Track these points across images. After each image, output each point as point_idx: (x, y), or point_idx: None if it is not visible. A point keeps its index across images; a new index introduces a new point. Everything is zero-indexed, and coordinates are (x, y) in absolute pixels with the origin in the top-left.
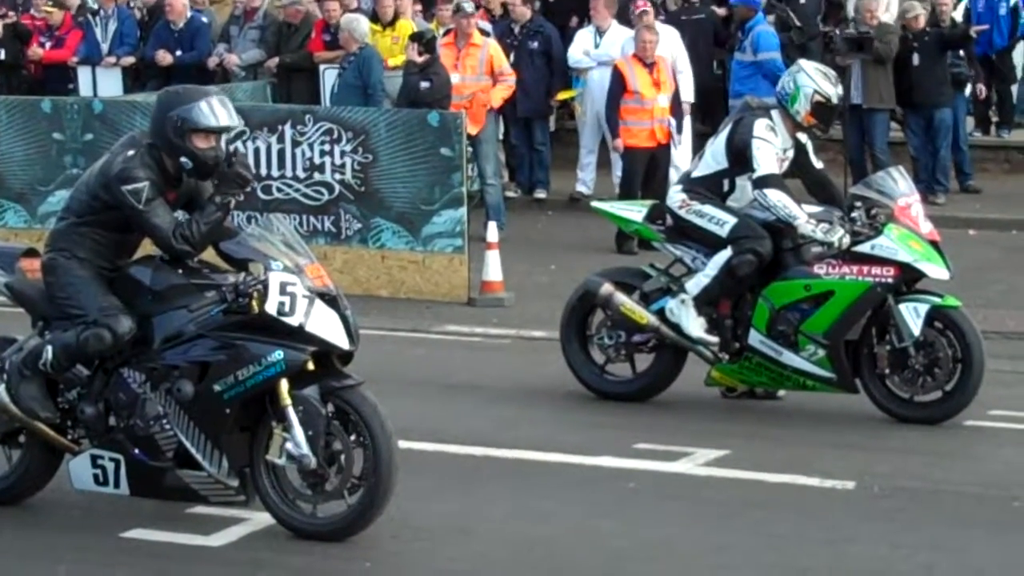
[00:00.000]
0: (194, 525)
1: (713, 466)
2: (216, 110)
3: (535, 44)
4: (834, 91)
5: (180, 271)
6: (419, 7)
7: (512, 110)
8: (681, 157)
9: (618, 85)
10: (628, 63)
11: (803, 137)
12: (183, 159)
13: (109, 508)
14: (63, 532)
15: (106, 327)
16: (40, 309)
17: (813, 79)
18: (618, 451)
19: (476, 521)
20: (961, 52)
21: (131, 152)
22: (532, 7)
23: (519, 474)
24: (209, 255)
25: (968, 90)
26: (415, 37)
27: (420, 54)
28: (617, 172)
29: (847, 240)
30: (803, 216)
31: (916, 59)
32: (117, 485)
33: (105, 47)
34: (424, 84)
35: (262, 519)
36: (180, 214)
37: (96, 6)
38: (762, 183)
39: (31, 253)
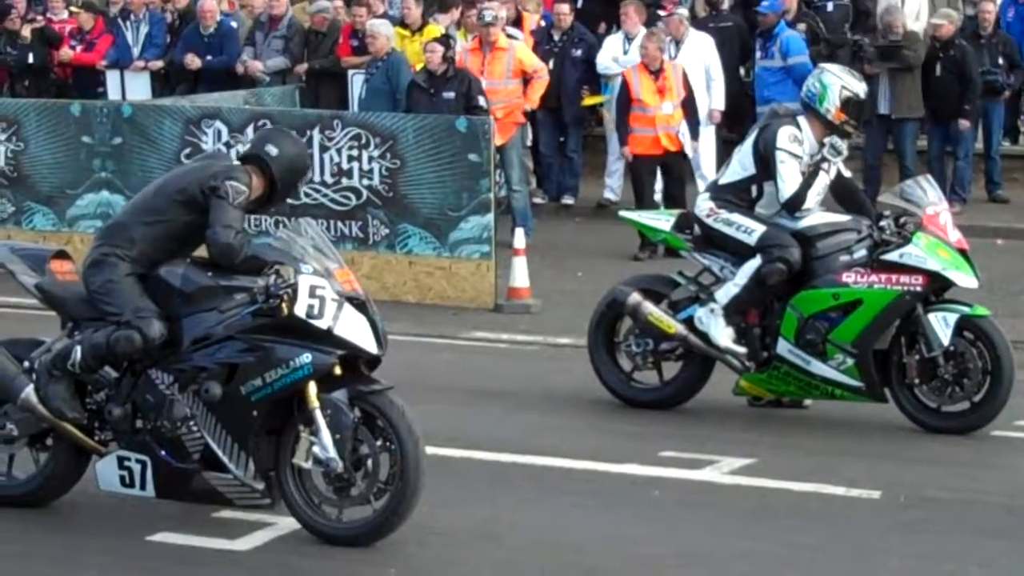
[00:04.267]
0: (220, 529)
1: (739, 474)
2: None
3: (578, 52)
4: (860, 87)
5: (210, 274)
6: (447, 13)
7: (546, 117)
8: (706, 166)
9: (624, 93)
10: (634, 71)
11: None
12: (287, 190)
13: (135, 511)
14: (89, 535)
15: (137, 330)
16: (70, 311)
17: (839, 76)
18: (644, 459)
19: (501, 528)
20: (1000, 60)
21: (238, 164)
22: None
23: (545, 481)
24: None
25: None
26: (439, 41)
27: (443, 59)
28: None
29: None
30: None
31: (939, 69)
32: (143, 487)
33: (136, 51)
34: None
35: (288, 523)
36: None
37: (118, 10)
38: (791, 207)
39: (61, 255)
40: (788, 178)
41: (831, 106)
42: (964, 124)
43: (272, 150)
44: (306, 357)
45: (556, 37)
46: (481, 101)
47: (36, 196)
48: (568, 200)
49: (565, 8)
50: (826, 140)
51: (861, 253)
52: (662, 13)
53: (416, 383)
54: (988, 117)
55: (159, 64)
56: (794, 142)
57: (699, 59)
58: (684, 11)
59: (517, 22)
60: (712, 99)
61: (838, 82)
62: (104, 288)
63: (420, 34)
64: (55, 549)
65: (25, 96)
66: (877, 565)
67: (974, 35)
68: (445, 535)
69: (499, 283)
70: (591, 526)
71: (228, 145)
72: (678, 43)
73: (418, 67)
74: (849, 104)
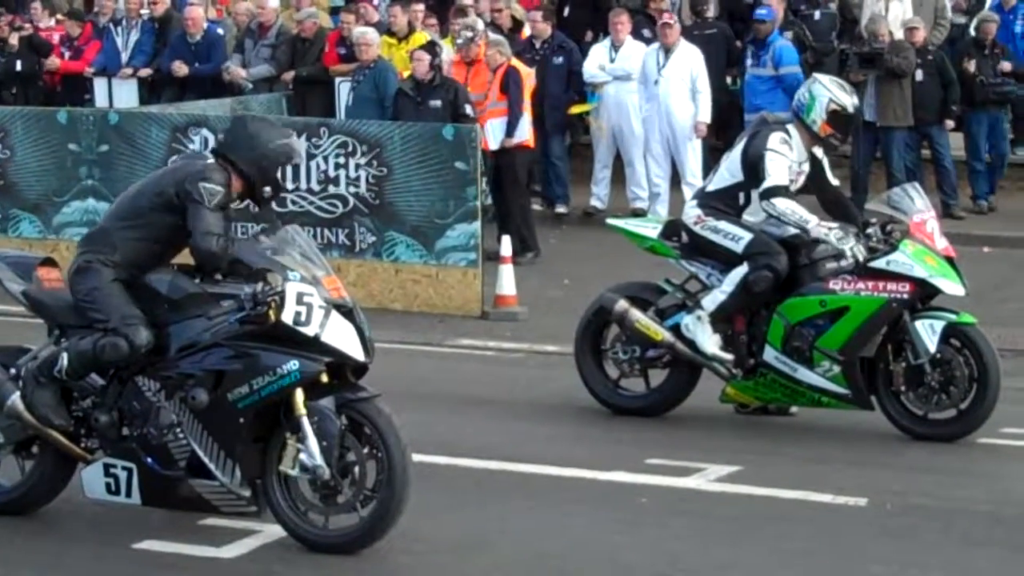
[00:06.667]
0: (206, 537)
1: (725, 482)
2: (294, 143)
3: (560, 60)
4: (849, 100)
5: (197, 280)
6: (433, 21)
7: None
8: (693, 173)
9: None
10: None
11: (819, 152)
12: (267, 188)
13: (121, 519)
14: (75, 543)
15: (124, 337)
16: (57, 317)
17: (828, 88)
18: (630, 466)
19: (488, 535)
20: (1007, 66)
21: (211, 162)
22: (552, 23)
23: (531, 488)
24: None
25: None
26: (425, 48)
27: (430, 67)
28: (632, 187)
29: (860, 251)
30: (814, 219)
31: (920, 75)
32: (129, 495)
33: (124, 57)
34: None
35: (274, 531)
36: None
37: (108, 16)
38: (769, 194)
39: (48, 262)
40: (774, 171)
41: (817, 118)
42: (949, 124)
43: (224, 138)
44: (293, 364)
45: (537, 45)
46: (468, 110)
47: (22, 203)
48: (561, 208)
49: (538, 16)
50: (814, 150)
51: (848, 260)
52: (661, 21)
53: (402, 391)
54: (997, 127)
55: (147, 72)
56: (784, 144)
57: (687, 70)
58: (676, 23)
59: (516, 30)
60: (699, 111)
61: (826, 95)
62: (90, 296)
63: (406, 42)
64: (40, 557)
65: (12, 104)
66: (863, 572)
67: (978, 45)
68: (431, 543)
69: (486, 291)
70: (577, 533)
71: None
72: (667, 52)
73: (405, 74)
74: (836, 117)
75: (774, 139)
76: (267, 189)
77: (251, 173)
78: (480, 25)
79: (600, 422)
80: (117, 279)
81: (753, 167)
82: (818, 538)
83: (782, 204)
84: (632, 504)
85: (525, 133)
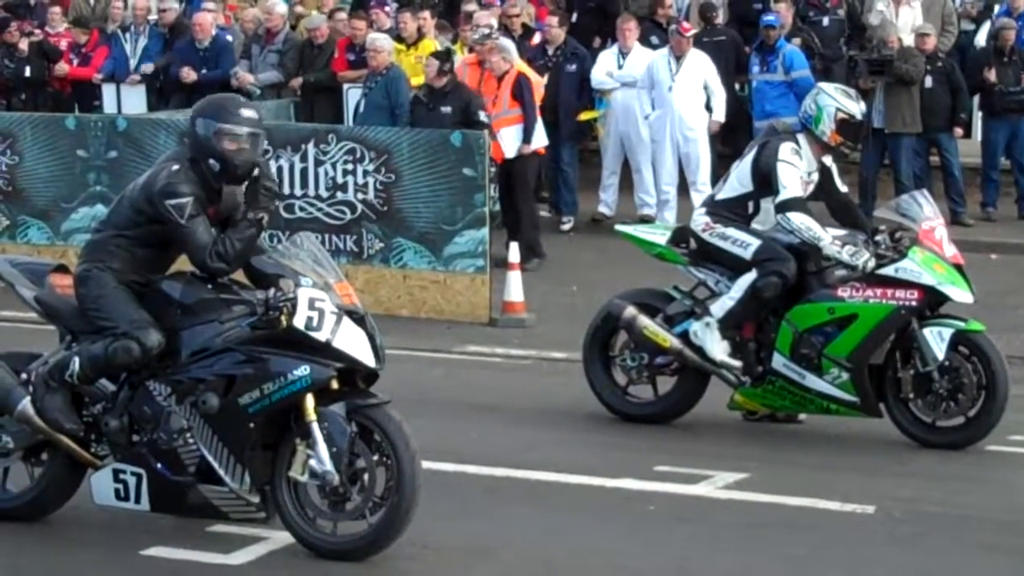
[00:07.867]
0: (214, 543)
1: (733, 489)
2: (243, 112)
3: (572, 67)
4: (856, 107)
5: (210, 286)
6: (445, 24)
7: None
8: (702, 181)
9: None
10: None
11: (828, 160)
12: (211, 160)
13: (129, 525)
14: (83, 549)
15: (135, 340)
16: (69, 323)
17: (834, 98)
18: (638, 473)
19: (496, 542)
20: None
21: (175, 167)
22: (565, 29)
23: (539, 495)
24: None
25: None
26: (438, 56)
27: (441, 74)
28: (640, 194)
29: (872, 263)
30: (828, 237)
31: (929, 81)
32: (138, 500)
33: (133, 63)
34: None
35: (282, 538)
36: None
37: (117, 23)
38: (784, 207)
39: (61, 269)
40: (788, 182)
41: (826, 128)
42: (958, 131)
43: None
44: (304, 369)
45: (550, 52)
46: (482, 116)
47: (31, 210)
48: (567, 224)
49: (554, 21)
50: (823, 158)
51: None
52: (687, 35)
53: (410, 397)
54: (1019, 135)
55: (151, 67)
56: (794, 155)
57: (700, 76)
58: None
59: (526, 36)
60: (713, 112)
61: (833, 104)
62: (96, 303)
63: (415, 48)
64: (49, 563)
65: (21, 109)
66: None
67: (996, 52)
68: (438, 550)
69: (493, 297)
70: (585, 541)
71: None
72: (679, 59)
73: (413, 81)
74: (845, 126)
75: (785, 150)
76: (212, 162)
77: (196, 153)
78: (494, 20)
79: (608, 429)
80: (120, 284)
81: (764, 177)
82: (825, 545)
83: (797, 219)
84: (640, 511)
85: (543, 139)
